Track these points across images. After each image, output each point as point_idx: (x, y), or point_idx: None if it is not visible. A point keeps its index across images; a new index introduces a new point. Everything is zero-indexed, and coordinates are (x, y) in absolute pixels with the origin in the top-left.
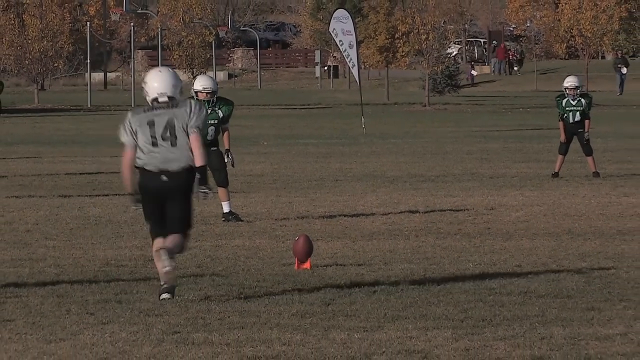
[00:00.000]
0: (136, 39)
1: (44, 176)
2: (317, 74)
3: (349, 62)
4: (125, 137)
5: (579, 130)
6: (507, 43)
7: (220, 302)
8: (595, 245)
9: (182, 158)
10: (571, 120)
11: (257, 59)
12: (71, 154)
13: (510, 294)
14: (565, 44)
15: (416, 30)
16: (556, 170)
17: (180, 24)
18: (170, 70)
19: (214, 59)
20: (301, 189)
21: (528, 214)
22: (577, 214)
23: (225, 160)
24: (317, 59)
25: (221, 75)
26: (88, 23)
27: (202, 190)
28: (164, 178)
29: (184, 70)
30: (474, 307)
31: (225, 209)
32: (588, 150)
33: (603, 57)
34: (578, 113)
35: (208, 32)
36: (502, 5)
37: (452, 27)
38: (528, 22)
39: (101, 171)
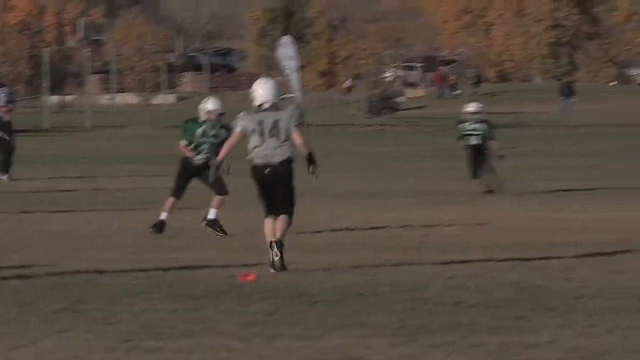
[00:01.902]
0: (91, 64)
1: (5, 193)
2: None
3: (292, 86)
4: (236, 128)
5: (484, 151)
6: (442, 68)
7: (171, 311)
8: (524, 258)
9: (285, 152)
10: (471, 143)
11: (205, 82)
12: (31, 172)
13: (444, 303)
14: (496, 69)
15: (356, 56)
16: (489, 189)
17: (133, 49)
18: (273, 81)
19: (164, 83)
20: (250, 204)
21: (461, 229)
22: (507, 228)
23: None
24: None
25: (171, 98)
26: (46, 49)
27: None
28: (268, 170)
29: (136, 93)
30: (410, 316)
31: (211, 215)
32: (490, 170)
33: (531, 81)
34: (478, 137)
35: (159, 57)
36: (436, 32)
37: (389, 52)
38: (461, 47)
39: (59, 188)
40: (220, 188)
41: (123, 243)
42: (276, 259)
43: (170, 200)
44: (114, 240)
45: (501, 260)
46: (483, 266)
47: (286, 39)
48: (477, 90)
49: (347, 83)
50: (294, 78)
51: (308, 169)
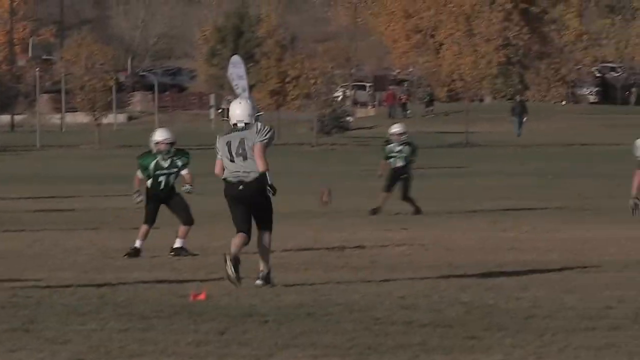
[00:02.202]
0: (41, 83)
1: None
2: (212, 116)
3: None
4: (217, 154)
5: (402, 175)
6: (393, 87)
7: (121, 331)
8: (475, 278)
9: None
10: (395, 165)
11: (155, 102)
12: None
13: (395, 323)
14: (446, 88)
15: (305, 75)
16: (378, 206)
17: (83, 69)
18: (248, 101)
19: (114, 102)
20: (198, 223)
21: (411, 248)
22: (457, 248)
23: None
24: (212, 102)
25: (121, 118)
26: None
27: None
28: (241, 187)
29: (86, 112)
30: (360, 336)
31: (177, 244)
32: (405, 195)
33: (482, 100)
34: (402, 159)
35: (109, 77)
36: (386, 51)
37: (339, 72)
38: (411, 67)
39: (9, 208)
40: (186, 217)
41: (74, 262)
42: (260, 279)
43: (143, 227)
44: (65, 259)
45: (452, 280)
46: (434, 285)
47: (236, 58)
48: (431, 110)
49: (349, 118)
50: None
51: (268, 190)
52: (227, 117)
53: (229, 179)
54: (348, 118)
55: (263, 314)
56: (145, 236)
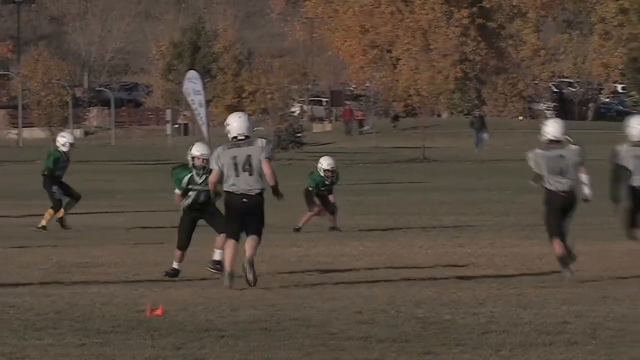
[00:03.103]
0: None
1: None
2: (168, 131)
3: (199, 120)
4: (213, 165)
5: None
6: (350, 102)
7: (78, 346)
8: (432, 293)
9: (259, 185)
10: (319, 194)
11: (111, 117)
12: None
13: (351, 338)
14: (403, 103)
15: (262, 90)
16: (300, 226)
17: (40, 84)
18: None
19: (70, 117)
20: (153, 239)
21: (368, 263)
22: (414, 263)
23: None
24: (168, 117)
25: (77, 133)
26: None
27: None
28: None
29: (43, 128)
30: (316, 351)
31: (217, 256)
32: (334, 210)
33: (439, 115)
34: (330, 187)
35: (65, 92)
36: (343, 67)
37: (295, 87)
38: (368, 82)
39: None
40: (222, 226)
41: (31, 278)
42: (249, 275)
43: (178, 252)
44: (21, 275)
45: (409, 295)
46: (391, 301)
47: (192, 73)
48: (394, 126)
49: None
50: (201, 112)
51: (276, 198)
52: (227, 130)
53: (232, 191)
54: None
55: (219, 328)
56: (181, 259)
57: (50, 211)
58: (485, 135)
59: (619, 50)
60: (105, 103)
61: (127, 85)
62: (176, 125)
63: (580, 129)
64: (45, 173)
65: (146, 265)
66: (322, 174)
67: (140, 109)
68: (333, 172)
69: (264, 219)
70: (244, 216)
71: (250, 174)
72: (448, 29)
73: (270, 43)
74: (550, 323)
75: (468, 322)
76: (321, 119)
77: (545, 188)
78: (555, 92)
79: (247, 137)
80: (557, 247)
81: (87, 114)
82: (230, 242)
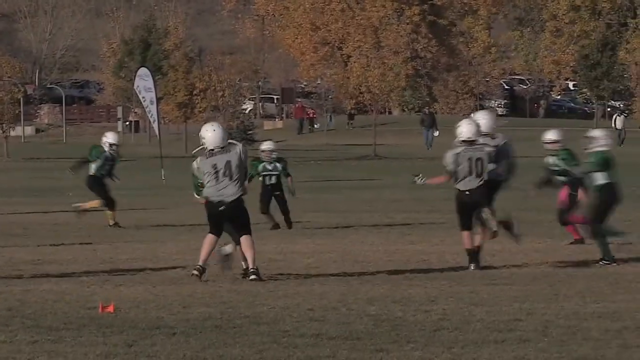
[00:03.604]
0: None
1: None
2: (119, 128)
3: (150, 117)
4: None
5: (276, 192)
6: (301, 100)
7: (30, 343)
8: (384, 290)
9: (237, 190)
10: (267, 183)
11: (62, 114)
12: None
13: (303, 336)
14: (354, 100)
15: (213, 87)
16: (276, 222)
17: None
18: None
19: (22, 115)
20: (105, 236)
21: (319, 260)
22: (366, 260)
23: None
24: (119, 114)
25: (29, 130)
26: None
27: None
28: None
29: None
30: (268, 349)
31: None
32: (285, 209)
33: (390, 112)
34: (275, 176)
35: (17, 90)
36: (294, 64)
37: (247, 84)
38: (319, 79)
39: None
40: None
41: None
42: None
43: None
44: None
45: (361, 292)
46: (342, 298)
47: (143, 71)
48: (351, 123)
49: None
50: (152, 110)
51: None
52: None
53: (211, 198)
54: (250, 132)
55: (171, 326)
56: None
57: (108, 213)
58: (435, 133)
59: (570, 48)
60: (57, 100)
61: (78, 82)
62: (127, 123)
63: (531, 126)
64: (92, 173)
65: (98, 263)
66: (261, 156)
67: (91, 106)
68: (271, 152)
69: (247, 215)
70: (224, 220)
71: (231, 179)
72: (399, 26)
73: (221, 40)
74: (502, 320)
75: (420, 319)
76: (272, 117)
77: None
78: (507, 89)
79: (223, 147)
80: (467, 240)
81: (38, 111)
82: (210, 237)
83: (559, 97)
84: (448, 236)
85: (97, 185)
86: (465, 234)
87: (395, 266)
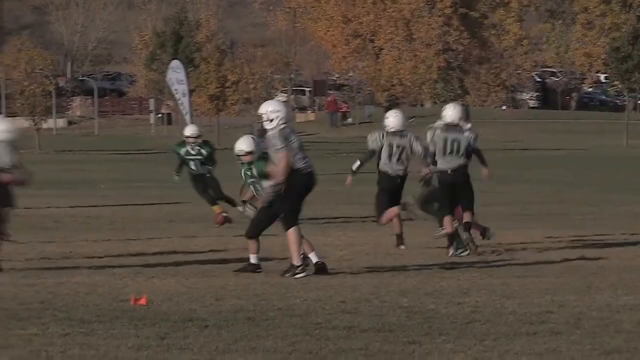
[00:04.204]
0: None
1: None
2: (152, 121)
3: (182, 109)
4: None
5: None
6: (333, 92)
7: (62, 335)
8: (416, 282)
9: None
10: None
11: (94, 107)
12: None
13: (336, 328)
14: (386, 93)
15: (245, 80)
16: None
17: (23, 74)
18: None
19: (54, 107)
20: (137, 229)
21: (352, 253)
22: (398, 252)
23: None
24: (152, 107)
25: (61, 122)
26: None
27: None
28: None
29: (26, 117)
30: (301, 341)
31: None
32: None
33: (422, 105)
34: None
35: (48, 82)
36: (325, 56)
37: (278, 76)
38: (351, 72)
39: None
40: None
41: (13, 267)
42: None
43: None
44: (4, 265)
45: (393, 284)
46: (375, 290)
47: (176, 63)
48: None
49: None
50: (184, 102)
51: None
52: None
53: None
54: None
55: (203, 318)
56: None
57: (213, 208)
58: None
59: (601, 40)
60: (89, 93)
61: (110, 74)
62: (159, 115)
63: (563, 119)
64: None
65: (130, 255)
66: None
67: (123, 98)
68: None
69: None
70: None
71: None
72: (430, 18)
73: (252, 33)
74: (533, 313)
75: (452, 311)
76: (304, 109)
77: (438, 168)
78: (538, 81)
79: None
80: (447, 224)
81: (70, 103)
82: (294, 229)
83: (590, 89)
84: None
85: (192, 184)
86: (447, 218)
87: (427, 258)
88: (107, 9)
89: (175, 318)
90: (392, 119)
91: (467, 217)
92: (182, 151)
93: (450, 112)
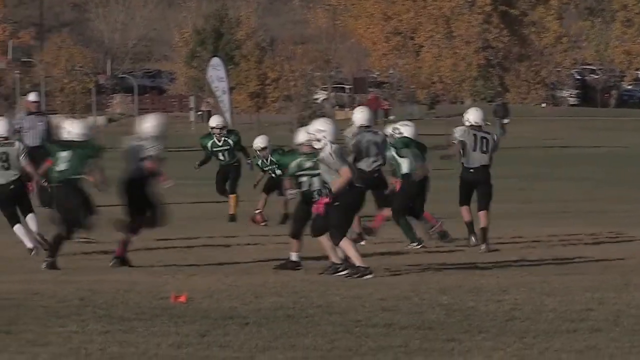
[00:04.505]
0: (21, 86)
1: None
2: (192, 118)
3: (223, 107)
4: None
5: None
6: (373, 89)
7: (102, 333)
8: (456, 280)
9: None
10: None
11: (134, 104)
12: None
13: (375, 325)
14: (426, 90)
15: (285, 77)
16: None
17: (63, 71)
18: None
19: (94, 105)
20: (177, 226)
21: (391, 250)
22: (437, 249)
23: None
24: (192, 104)
25: (101, 120)
26: None
27: None
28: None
29: (66, 115)
30: (340, 338)
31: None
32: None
33: (462, 102)
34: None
35: (88, 79)
36: (366, 54)
37: (318, 74)
38: (391, 69)
39: None
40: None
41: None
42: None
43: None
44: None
45: (432, 282)
46: (414, 288)
47: (216, 61)
48: (433, 112)
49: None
50: (224, 100)
51: None
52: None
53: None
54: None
55: (243, 316)
56: (299, 248)
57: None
58: (504, 120)
59: None
60: (129, 90)
61: (150, 72)
62: (199, 112)
63: (602, 116)
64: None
65: (170, 253)
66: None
67: (163, 96)
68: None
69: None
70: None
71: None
72: (471, 16)
73: (292, 30)
74: (573, 310)
75: (492, 309)
76: (343, 106)
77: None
78: (578, 79)
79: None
80: (466, 214)
81: (110, 101)
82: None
83: (630, 87)
84: (519, 226)
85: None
86: (464, 208)
87: (466, 256)
88: (147, 7)
89: (215, 315)
90: (472, 114)
91: (483, 218)
92: (209, 143)
93: (474, 115)
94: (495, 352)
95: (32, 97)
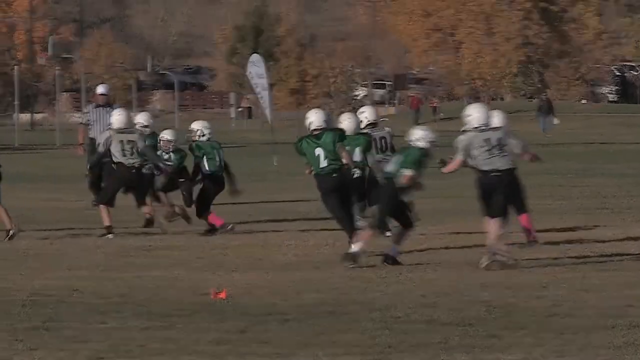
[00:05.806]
0: (61, 82)
1: None
2: (232, 115)
3: (263, 103)
4: None
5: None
6: (414, 86)
7: (142, 329)
8: (496, 276)
9: None
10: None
11: (175, 100)
12: None
13: (415, 322)
14: (466, 87)
15: (325, 74)
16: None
17: (103, 68)
18: None
19: (134, 101)
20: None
21: (432, 246)
22: (477, 245)
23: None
24: (232, 100)
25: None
26: (16, 67)
27: None
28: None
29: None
30: (380, 335)
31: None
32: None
33: (502, 99)
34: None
35: (129, 76)
36: (406, 50)
37: (359, 70)
38: (431, 65)
39: (27, 207)
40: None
41: (92, 261)
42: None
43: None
44: (84, 258)
45: (472, 278)
46: (454, 284)
47: (256, 57)
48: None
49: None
50: (264, 96)
51: None
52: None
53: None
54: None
55: (284, 312)
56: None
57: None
58: (555, 121)
59: None
60: (169, 86)
61: (190, 68)
62: (240, 109)
63: None
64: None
65: (209, 249)
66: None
67: (204, 92)
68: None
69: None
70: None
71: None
72: (510, 12)
73: (332, 27)
74: (612, 306)
75: (532, 305)
76: (382, 103)
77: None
78: (618, 75)
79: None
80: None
81: (150, 97)
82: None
83: None
84: (560, 222)
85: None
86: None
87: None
88: (187, 3)
89: (255, 312)
90: (477, 114)
91: (524, 220)
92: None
93: (477, 114)
94: (535, 348)
95: (100, 89)
